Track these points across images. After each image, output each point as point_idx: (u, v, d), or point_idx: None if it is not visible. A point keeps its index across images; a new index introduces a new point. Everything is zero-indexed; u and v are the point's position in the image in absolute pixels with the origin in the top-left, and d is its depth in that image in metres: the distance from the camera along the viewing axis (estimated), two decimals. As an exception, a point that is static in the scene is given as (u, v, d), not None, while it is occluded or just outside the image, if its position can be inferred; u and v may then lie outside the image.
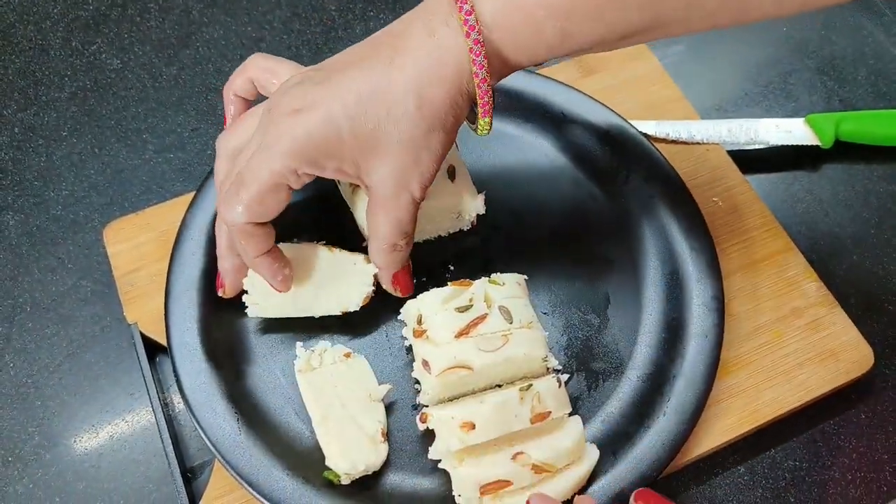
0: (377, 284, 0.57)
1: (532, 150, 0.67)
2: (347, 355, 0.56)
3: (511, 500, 0.50)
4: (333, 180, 0.62)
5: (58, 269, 0.65)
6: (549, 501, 0.48)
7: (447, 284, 0.55)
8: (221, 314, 0.58)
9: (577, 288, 0.61)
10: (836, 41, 0.79)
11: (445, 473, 0.53)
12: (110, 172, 0.70)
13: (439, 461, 0.52)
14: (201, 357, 0.56)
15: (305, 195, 0.61)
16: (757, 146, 0.71)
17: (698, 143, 0.69)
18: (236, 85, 0.55)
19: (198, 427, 0.53)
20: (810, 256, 0.64)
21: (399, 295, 0.56)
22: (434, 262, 0.61)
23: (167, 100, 0.74)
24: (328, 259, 0.57)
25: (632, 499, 0.48)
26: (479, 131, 0.51)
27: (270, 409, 0.56)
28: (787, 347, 0.60)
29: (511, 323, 0.53)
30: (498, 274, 0.56)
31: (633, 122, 0.67)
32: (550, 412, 0.51)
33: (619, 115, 0.66)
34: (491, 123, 0.50)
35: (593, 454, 0.53)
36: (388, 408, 0.56)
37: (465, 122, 0.52)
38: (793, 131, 0.71)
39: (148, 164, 0.70)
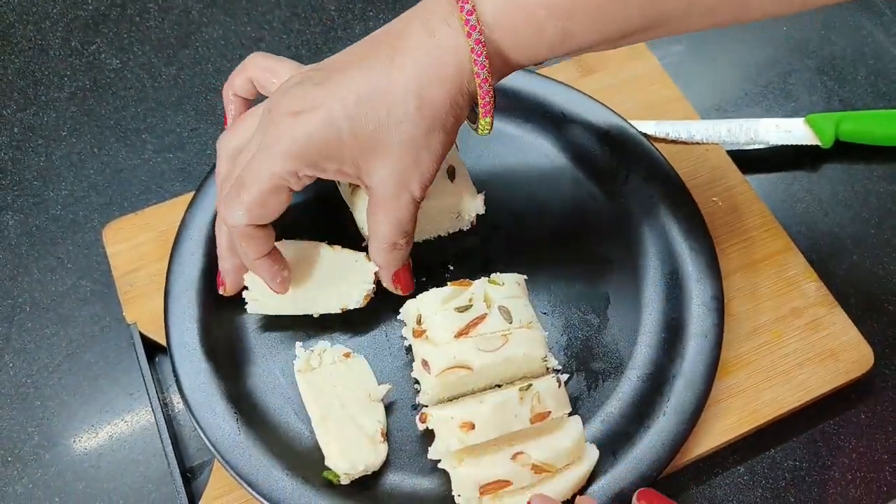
0: (378, 283, 0.57)
1: (532, 150, 0.67)
2: (347, 355, 0.56)
3: (511, 500, 0.50)
4: (333, 181, 0.62)
5: (57, 269, 0.65)
6: (550, 502, 0.48)
7: (447, 284, 0.55)
8: (221, 314, 0.58)
9: (576, 288, 0.61)
10: (836, 41, 0.79)
11: (445, 473, 0.53)
12: (110, 172, 0.70)
13: (439, 461, 0.52)
14: (201, 357, 0.56)
15: (305, 196, 0.61)
16: (757, 146, 0.71)
17: (698, 143, 0.69)
18: (236, 84, 0.55)
19: (197, 427, 0.53)
20: (810, 256, 0.64)
21: (400, 293, 0.56)
22: (434, 261, 0.61)
23: (166, 100, 0.74)
24: (329, 257, 0.57)
25: (634, 498, 0.48)
26: (479, 131, 0.51)
27: (270, 409, 0.56)
28: (786, 347, 0.60)
29: (511, 323, 0.53)
30: (497, 274, 0.56)
31: (632, 122, 0.67)
32: (550, 412, 0.51)
33: (619, 115, 0.66)
34: (492, 123, 0.50)
35: (593, 454, 0.53)
36: (388, 408, 0.56)
37: (465, 122, 0.52)
38: (793, 131, 0.71)
39: (147, 163, 0.70)
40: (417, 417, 0.53)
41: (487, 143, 0.66)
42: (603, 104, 0.67)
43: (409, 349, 0.58)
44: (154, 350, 0.60)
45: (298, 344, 0.57)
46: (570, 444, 0.51)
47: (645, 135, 0.66)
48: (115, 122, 0.73)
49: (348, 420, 0.53)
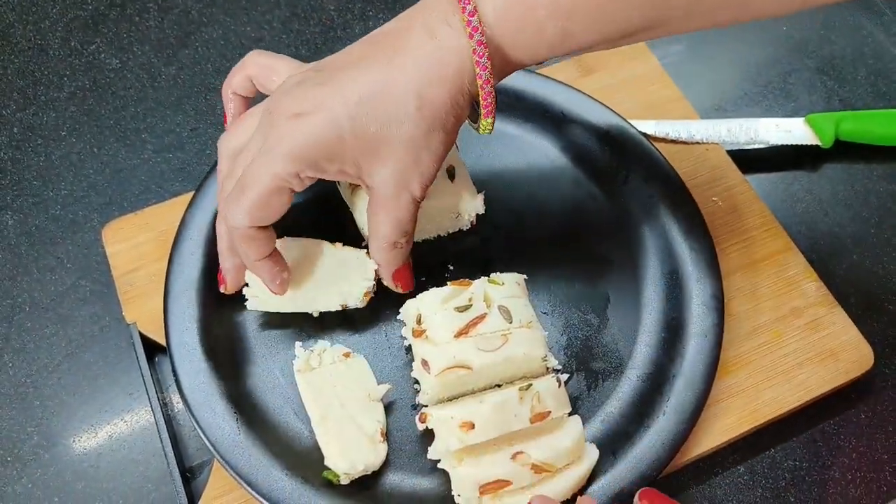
0: (378, 281, 0.57)
1: (532, 149, 0.67)
2: (346, 355, 0.56)
3: (510, 500, 0.50)
4: (333, 182, 0.62)
5: (57, 268, 0.65)
6: (550, 502, 0.48)
7: (447, 284, 0.55)
8: (220, 314, 0.58)
9: (576, 287, 0.61)
10: (836, 41, 0.79)
11: (445, 473, 0.52)
12: (109, 172, 0.70)
13: (438, 461, 0.52)
14: (200, 357, 0.56)
15: (306, 196, 0.61)
16: (757, 146, 0.71)
17: (698, 143, 0.69)
18: (235, 83, 0.55)
19: (197, 427, 0.53)
20: (810, 256, 0.64)
21: (400, 291, 0.56)
22: (434, 261, 0.61)
23: (166, 99, 0.74)
24: (330, 254, 0.57)
25: (636, 498, 0.48)
26: (481, 130, 0.51)
27: (269, 408, 0.56)
28: (786, 347, 0.60)
29: (510, 322, 0.53)
30: (497, 273, 0.56)
31: (632, 122, 0.67)
32: (550, 412, 0.51)
33: (619, 115, 0.66)
34: (493, 123, 0.50)
35: (593, 454, 0.53)
36: (388, 407, 0.56)
37: (467, 122, 0.52)
38: (792, 131, 0.70)
39: (147, 163, 0.70)
40: (417, 417, 0.53)
41: (487, 143, 0.66)
42: (603, 104, 0.67)
43: (408, 349, 0.58)
44: (154, 350, 0.60)
45: (298, 344, 0.57)
46: (569, 443, 0.51)
47: (645, 135, 0.66)
48: (115, 121, 0.73)
49: (348, 420, 0.53)
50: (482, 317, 0.53)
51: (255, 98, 0.56)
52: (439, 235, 0.63)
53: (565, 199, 0.65)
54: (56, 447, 0.58)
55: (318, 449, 0.53)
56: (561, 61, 0.73)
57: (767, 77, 0.77)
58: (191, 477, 0.57)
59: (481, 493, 0.50)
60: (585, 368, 0.58)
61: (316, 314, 0.58)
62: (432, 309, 0.53)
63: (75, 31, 0.78)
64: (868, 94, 0.75)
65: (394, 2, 0.81)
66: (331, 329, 0.59)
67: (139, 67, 0.76)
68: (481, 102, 0.48)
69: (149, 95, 0.74)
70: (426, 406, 0.53)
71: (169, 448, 0.55)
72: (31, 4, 0.79)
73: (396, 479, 0.54)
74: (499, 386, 0.54)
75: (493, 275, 0.56)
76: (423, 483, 0.54)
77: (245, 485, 0.52)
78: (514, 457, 0.50)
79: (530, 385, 0.51)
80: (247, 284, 0.56)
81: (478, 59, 0.46)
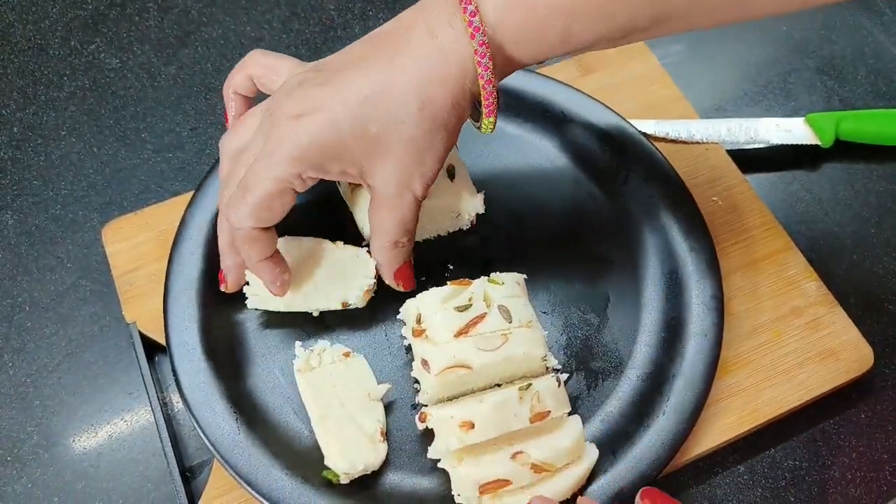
0: (379, 279, 0.57)
1: (532, 149, 0.67)
2: (346, 355, 0.56)
3: (510, 500, 0.50)
4: (333, 182, 0.62)
5: (57, 268, 0.65)
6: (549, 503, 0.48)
7: (447, 284, 0.55)
8: (220, 313, 0.58)
9: (576, 287, 0.61)
10: (836, 41, 0.79)
11: (445, 473, 0.52)
12: (109, 172, 0.70)
13: (438, 460, 0.52)
14: (200, 356, 0.56)
15: (306, 197, 0.60)
16: (756, 145, 0.71)
17: (698, 143, 0.69)
18: (236, 82, 0.55)
19: (197, 426, 0.53)
20: (810, 256, 0.64)
21: (401, 289, 0.56)
22: (433, 261, 0.61)
23: (166, 99, 0.74)
24: (330, 253, 0.57)
25: (638, 498, 0.48)
26: (482, 129, 0.51)
27: (269, 408, 0.56)
28: (786, 347, 0.60)
29: (510, 322, 0.53)
30: (497, 273, 0.56)
31: (632, 122, 0.67)
32: (550, 411, 0.51)
33: (619, 115, 0.66)
34: (495, 122, 0.50)
35: (593, 453, 0.53)
36: (388, 407, 0.56)
37: (468, 121, 0.52)
38: (792, 130, 0.70)
39: (147, 163, 0.70)
40: (417, 417, 0.53)
41: (487, 143, 0.66)
42: (603, 104, 0.67)
43: (408, 348, 0.58)
44: (153, 349, 0.60)
45: (298, 343, 0.57)
46: (569, 443, 0.51)
47: (645, 134, 0.66)
48: (115, 121, 0.73)
49: (348, 419, 0.53)
50: (482, 316, 0.53)
51: (255, 98, 0.56)
52: (439, 235, 0.63)
53: (565, 198, 0.65)
54: (56, 447, 0.58)
55: (318, 448, 0.53)
56: (561, 61, 0.73)
57: (767, 77, 0.77)
58: (191, 476, 0.57)
59: (481, 492, 0.50)
60: (585, 368, 0.58)
61: (316, 314, 0.58)
62: (432, 308, 0.53)
63: (75, 31, 0.78)
64: (868, 94, 0.75)
65: (394, 2, 0.81)
66: (331, 329, 0.59)
67: (139, 67, 0.76)
68: (483, 102, 0.48)
69: (149, 95, 0.74)
70: (426, 406, 0.53)
71: (169, 448, 0.55)
72: (31, 4, 0.79)
73: (396, 479, 0.54)
74: (499, 385, 0.54)
75: (492, 274, 0.56)
76: (423, 483, 0.54)
77: (245, 484, 0.52)
78: (513, 456, 0.50)
79: (530, 385, 0.51)
80: (247, 283, 0.57)
81: (479, 59, 0.46)
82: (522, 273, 0.57)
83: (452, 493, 0.51)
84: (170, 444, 0.55)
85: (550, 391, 0.52)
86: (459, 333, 0.52)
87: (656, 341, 0.58)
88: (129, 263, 0.62)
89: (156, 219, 0.64)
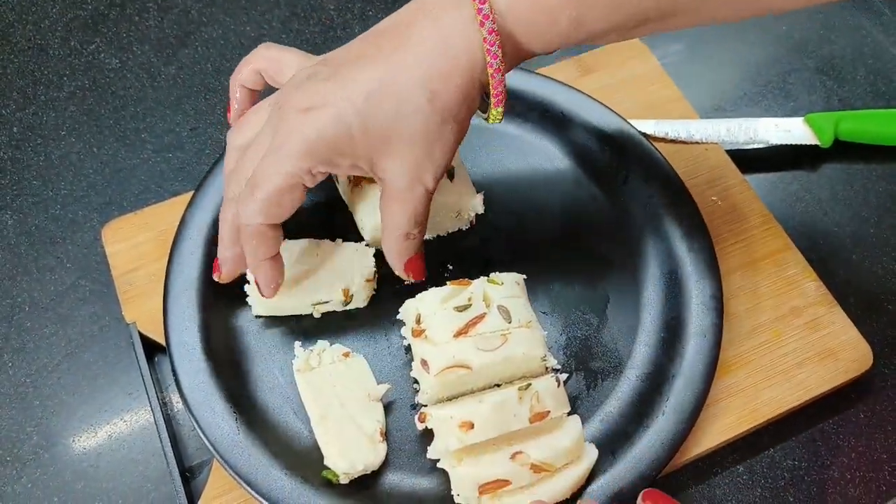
0: (379, 279, 0.57)
1: (531, 149, 0.67)
2: (346, 355, 0.56)
3: (510, 500, 0.50)
4: (333, 182, 0.62)
5: (56, 268, 0.65)
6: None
7: (446, 284, 0.55)
8: (220, 314, 0.58)
9: (575, 287, 0.61)
10: (836, 41, 0.79)
11: (444, 473, 0.53)
12: (109, 172, 0.70)
13: (438, 461, 0.52)
14: (200, 356, 0.56)
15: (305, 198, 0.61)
16: (756, 145, 0.71)
17: (697, 143, 0.69)
18: (243, 76, 0.55)
19: (196, 426, 0.53)
20: (809, 256, 0.64)
21: (411, 280, 0.54)
22: (433, 261, 0.61)
23: (166, 99, 0.74)
24: (330, 250, 0.58)
25: (639, 499, 0.48)
26: (490, 120, 0.51)
27: (269, 408, 0.56)
28: (786, 347, 0.60)
29: (510, 322, 0.53)
30: (497, 273, 0.56)
31: (632, 122, 0.67)
32: (549, 412, 0.51)
33: (619, 115, 0.66)
34: (503, 113, 0.50)
35: (592, 454, 0.53)
36: (387, 407, 0.56)
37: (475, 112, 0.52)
38: (792, 131, 0.71)
39: (146, 163, 0.70)
40: (416, 417, 0.53)
41: (487, 143, 0.66)
42: (603, 104, 0.67)
43: (408, 349, 0.58)
44: (153, 350, 0.60)
45: (297, 343, 0.57)
46: (569, 443, 0.51)
47: (644, 134, 0.66)
48: (115, 121, 0.73)
49: (347, 419, 0.53)
50: (481, 316, 0.53)
51: (262, 92, 0.55)
52: (439, 235, 0.63)
53: (565, 198, 0.65)
54: (56, 447, 0.58)
55: (318, 448, 0.53)
56: (561, 61, 0.73)
57: (767, 77, 0.77)
58: (190, 477, 0.57)
59: (480, 492, 0.50)
60: (585, 368, 0.58)
61: (317, 314, 0.58)
62: (432, 309, 0.53)
63: (75, 31, 0.78)
64: (867, 94, 0.75)
65: (393, 2, 0.80)
66: (330, 329, 0.59)
67: (139, 67, 0.76)
68: (492, 92, 0.48)
69: (148, 95, 0.74)
70: (425, 406, 0.53)
71: (168, 448, 0.55)
72: (31, 4, 0.79)
73: (396, 479, 0.54)
74: (498, 386, 0.54)
75: (492, 275, 0.56)
76: (423, 483, 0.54)
77: (244, 484, 0.52)
78: (513, 456, 0.50)
79: (529, 385, 0.51)
80: (248, 282, 0.57)
81: (489, 47, 0.46)
82: (522, 273, 0.57)
83: (452, 493, 0.51)
84: (169, 444, 0.56)
85: (550, 391, 0.52)
86: (459, 334, 0.52)
87: (656, 341, 0.58)
88: (128, 263, 0.62)
89: (156, 219, 0.64)
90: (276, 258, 0.53)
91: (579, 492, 0.52)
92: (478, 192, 0.62)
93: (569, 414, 0.53)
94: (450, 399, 0.53)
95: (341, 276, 0.57)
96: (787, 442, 0.59)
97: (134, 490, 0.57)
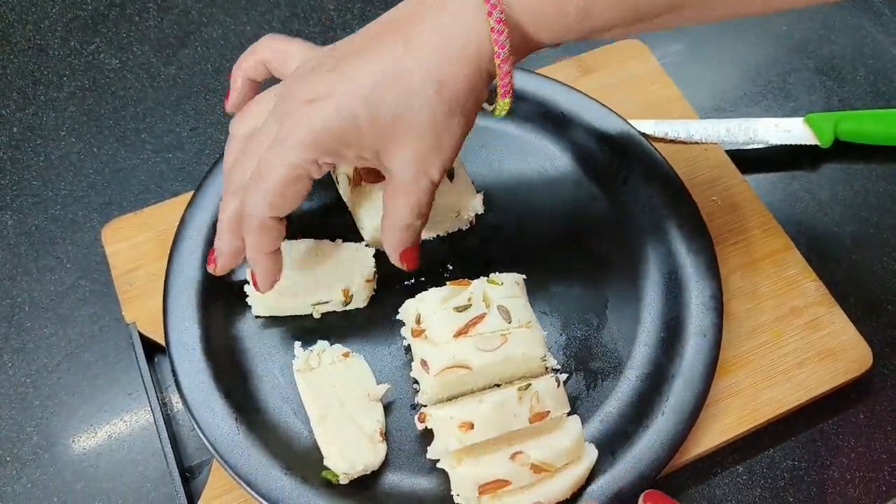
0: (379, 279, 0.57)
1: (531, 149, 0.67)
2: (346, 355, 0.56)
3: (510, 500, 0.50)
4: (333, 182, 0.62)
5: (56, 268, 0.65)
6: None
7: (446, 284, 0.55)
8: (220, 314, 0.58)
9: (575, 287, 0.61)
10: (836, 41, 0.79)
11: (444, 473, 0.53)
12: (109, 172, 0.70)
13: (438, 461, 0.52)
14: (200, 357, 0.56)
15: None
16: (756, 146, 0.71)
17: (697, 143, 0.69)
18: (247, 66, 0.54)
19: (196, 427, 0.53)
20: (809, 256, 0.64)
21: (405, 268, 0.54)
22: (433, 261, 0.61)
23: (166, 99, 0.74)
24: (329, 250, 0.58)
25: (640, 500, 0.48)
26: (497, 112, 0.50)
27: (269, 408, 0.56)
28: (786, 347, 0.60)
29: (510, 322, 0.53)
30: (496, 273, 0.56)
31: (632, 122, 0.67)
32: (549, 412, 0.51)
33: (619, 115, 0.66)
34: (510, 104, 0.49)
35: (592, 454, 0.53)
36: (387, 407, 0.56)
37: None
38: (792, 131, 0.70)
39: (146, 163, 0.70)
40: (416, 417, 0.53)
41: (487, 143, 0.66)
42: (603, 104, 0.67)
43: (408, 349, 0.58)
44: (153, 350, 0.60)
45: (297, 344, 0.57)
46: (568, 443, 0.51)
47: (644, 134, 0.66)
48: (115, 121, 0.73)
49: (347, 420, 0.53)
50: (481, 317, 0.53)
51: (264, 83, 0.55)
52: (439, 235, 0.63)
53: (565, 199, 0.65)
54: (55, 447, 0.58)
55: (318, 449, 0.53)
56: (561, 61, 0.73)
57: (767, 77, 0.77)
58: (190, 477, 0.57)
59: (480, 492, 0.50)
60: (584, 368, 0.58)
61: (317, 314, 0.58)
62: (431, 309, 0.53)
63: (75, 31, 0.78)
64: (867, 94, 0.75)
65: (394, 2, 0.80)
66: (330, 329, 0.59)
67: (139, 67, 0.76)
68: (499, 83, 0.47)
69: (148, 95, 0.74)
70: (425, 406, 0.53)
71: (168, 448, 0.55)
72: (31, 4, 0.79)
73: (396, 479, 0.54)
74: (498, 386, 0.54)
75: (492, 275, 0.56)
76: (423, 483, 0.54)
77: (244, 485, 0.52)
78: (513, 457, 0.50)
79: (529, 385, 0.51)
80: (248, 282, 0.57)
81: (496, 37, 0.45)
82: (522, 273, 0.57)
83: (452, 493, 0.51)
84: (169, 444, 0.55)
85: (550, 391, 0.52)
86: (459, 334, 0.52)
87: (655, 341, 0.58)
88: (128, 263, 0.62)
89: (155, 219, 0.64)
90: (277, 253, 0.52)
91: (579, 492, 0.52)
92: (478, 192, 0.62)
93: (569, 414, 0.53)
94: (450, 399, 0.53)
95: (341, 277, 0.57)
96: (786, 442, 0.59)
97: (134, 490, 0.57)
